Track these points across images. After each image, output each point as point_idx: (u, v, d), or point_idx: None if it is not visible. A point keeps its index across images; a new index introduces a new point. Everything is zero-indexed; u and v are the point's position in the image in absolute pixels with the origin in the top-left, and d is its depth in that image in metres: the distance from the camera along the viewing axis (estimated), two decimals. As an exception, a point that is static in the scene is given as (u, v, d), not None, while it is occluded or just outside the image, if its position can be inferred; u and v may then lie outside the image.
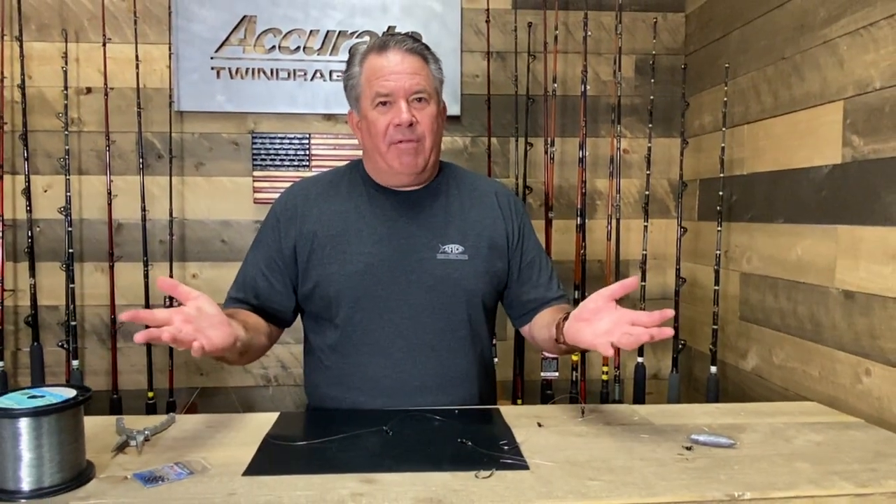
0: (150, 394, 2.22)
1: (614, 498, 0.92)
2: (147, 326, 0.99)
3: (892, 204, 1.42)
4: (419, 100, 1.30)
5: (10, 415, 0.88)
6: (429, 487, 0.93)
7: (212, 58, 2.29)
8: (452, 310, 1.35)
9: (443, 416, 1.23)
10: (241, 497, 0.91)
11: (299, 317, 1.45)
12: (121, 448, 1.07)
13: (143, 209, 2.23)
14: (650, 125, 2.27)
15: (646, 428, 1.21)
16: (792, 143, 1.78)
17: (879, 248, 1.45)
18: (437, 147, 1.36)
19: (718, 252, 2.06)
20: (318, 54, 2.33)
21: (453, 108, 2.34)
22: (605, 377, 2.30)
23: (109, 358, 2.27)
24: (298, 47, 2.32)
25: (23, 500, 0.88)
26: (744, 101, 2.03)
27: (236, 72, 2.31)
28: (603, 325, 1.10)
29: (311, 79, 2.33)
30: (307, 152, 2.34)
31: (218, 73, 2.30)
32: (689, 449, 1.09)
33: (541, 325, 1.37)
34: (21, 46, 2.17)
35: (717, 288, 2.05)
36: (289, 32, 2.32)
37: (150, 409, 2.20)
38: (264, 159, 2.33)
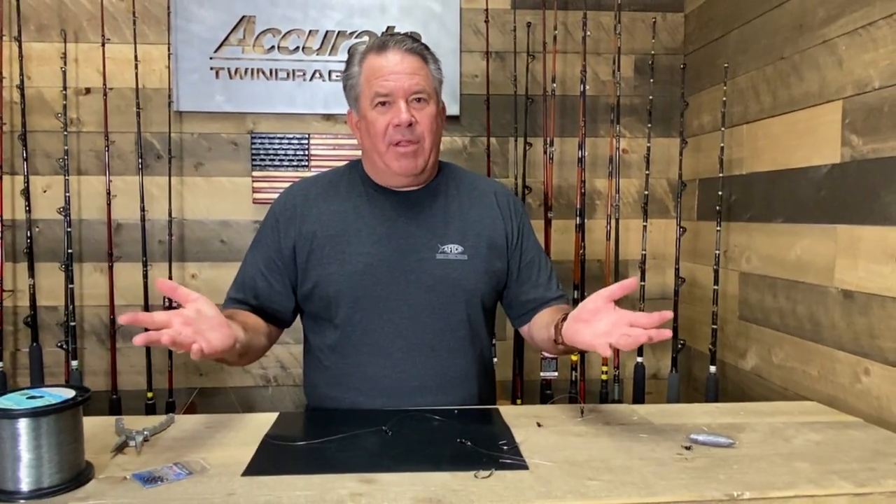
0: (150, 394, 2.22)
1: (613, 498, 0.92)
2: (146, 329, 0.99)
3: (891, 203, 1.42)
4: (418, 100, 1.30)
5: (10, 415, 0.88)
6: (428, 487, 0.93)
7: (211, 58, 2.29)
8: (452, 310, 1.35)
9: (442, 416, 1.23)
10: (241, 497, 0.91)
11: (299, 317, 1.45)
12: (120, 448, 1.07)
13: (143, 209, 2.23)
14: (649, 125, 2.27)
15: (645, 428, 1.21)
16: (791, 142, 1.78)
17: (878, 247, 1.45)
18: (437, 147, 1.36)
19: (718, 252, 2.06)
20: (317, 54, 2.33)
21: (452, 108, 2.34)
22: (604, 377, 2.30)
23: (109, 358, 2.27)
24: (297, 47, 2.32)
25: (22, 501, 0.88)
26: (743, 100, 2.03)
27: (235, 72, 2.30)
28: (602, 325, 1.10)
29: (311, 79, 2.33)
30: (306, 152, 2.34)
31: (217, 73, 2.30)
32: (688, 449, 1.09)
33: (540, 326, 1.37)
34: (20, 47, 2.17)
35: (716, 288, 2.05)
36: (288, 33, 2.31)
37: (150, 410, 2.21)
38: (263, 159, 2.33)
